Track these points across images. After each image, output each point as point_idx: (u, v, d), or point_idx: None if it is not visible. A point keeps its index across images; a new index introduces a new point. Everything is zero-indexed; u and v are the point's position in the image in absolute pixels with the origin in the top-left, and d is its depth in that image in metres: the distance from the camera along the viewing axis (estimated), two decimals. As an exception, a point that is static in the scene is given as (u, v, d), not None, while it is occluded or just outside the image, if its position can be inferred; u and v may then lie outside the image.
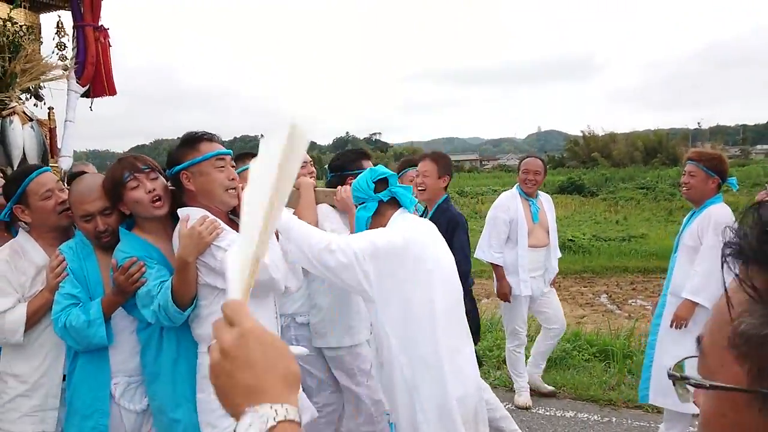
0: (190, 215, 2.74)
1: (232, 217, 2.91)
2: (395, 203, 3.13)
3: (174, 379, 2.82)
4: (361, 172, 3.29)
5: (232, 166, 2.87)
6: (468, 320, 3.20)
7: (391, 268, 2.88)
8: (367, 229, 3.10)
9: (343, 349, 3.71)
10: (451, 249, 3.22)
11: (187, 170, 2.78)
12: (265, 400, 0.89)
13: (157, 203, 2.81)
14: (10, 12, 4.03)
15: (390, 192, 3.13)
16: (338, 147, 77.33)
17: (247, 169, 3.99)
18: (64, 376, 2.91)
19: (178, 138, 2.91)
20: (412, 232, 2.99)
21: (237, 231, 2.77)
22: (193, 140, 2.81)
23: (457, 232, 4.22)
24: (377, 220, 3.11)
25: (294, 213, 3.40)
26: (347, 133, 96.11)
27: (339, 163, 3.87)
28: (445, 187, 4.62)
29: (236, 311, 0.96)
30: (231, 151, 2.90)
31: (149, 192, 2.79)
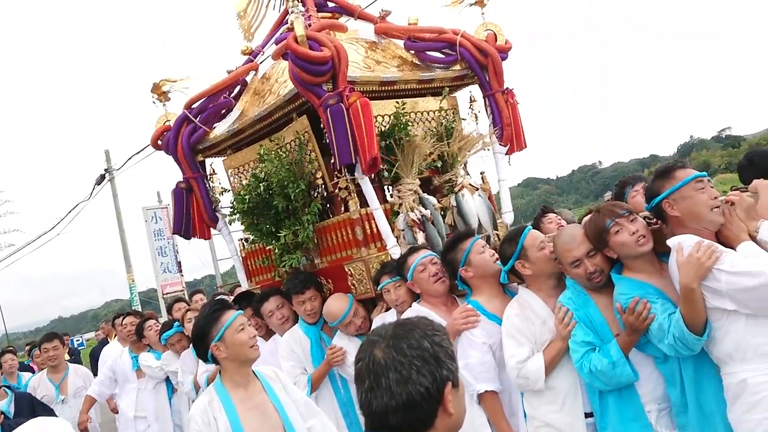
0: (683, 242, 2.79)
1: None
2: None
3: (700, 405, 2.87)
4: None
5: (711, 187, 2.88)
6: None
7: None
8: None
9: None
10: None
11: (669, 198, 2.86)
12: None
13: (642, 241, 2.94)
14: (440, 102, 4.67)
15: None
16: (684, 154, 69.55)
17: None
18: (586, 414, 3.18)
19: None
20: None
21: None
22: (667, 170, 2.91)
23: None
24: None
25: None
26: (691, 136, 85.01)
27: None
28: None
29: None
30: (706, 173, 2.92)
31: (633, 233, 2.94)
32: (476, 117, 5.02)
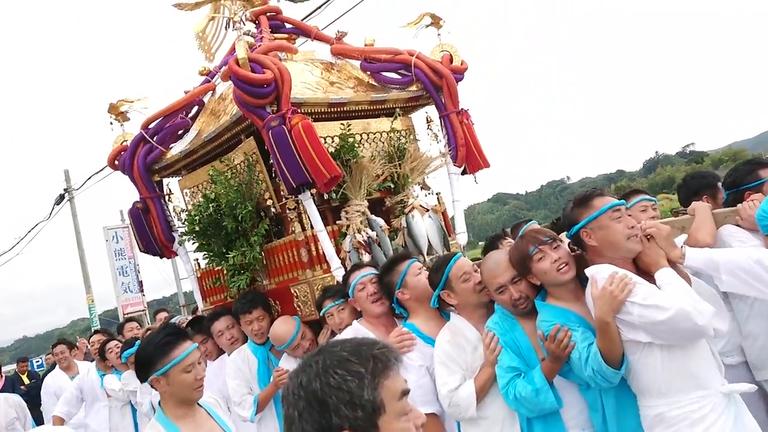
0: (597, 274, 2.76)
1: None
2: None
3: None
4: (761, 183, 3.02)
5: (629, 215, 2.84)
6: None
7: None
8: None
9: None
10: None
11: (586, 228, 2.83)
12: None
13: (564, 269, 2.91)
14: (392, 123, 4.66)
15: None
16: (649, 170, 70.38)
17: (640, 201, 3.83)
18: None
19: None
20: None
21: (647, 279, 2.75)
22: (585, 199, 2.87)
23: None
24: None
25: (688, 238, 3.24)
26: (657, 152, 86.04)
27: (732, 179, 3.61)
28: None
29: None
30: (624, 201, 2.89)
31: (555, 261, 2.91)
32: (435, 137, 5.02)
